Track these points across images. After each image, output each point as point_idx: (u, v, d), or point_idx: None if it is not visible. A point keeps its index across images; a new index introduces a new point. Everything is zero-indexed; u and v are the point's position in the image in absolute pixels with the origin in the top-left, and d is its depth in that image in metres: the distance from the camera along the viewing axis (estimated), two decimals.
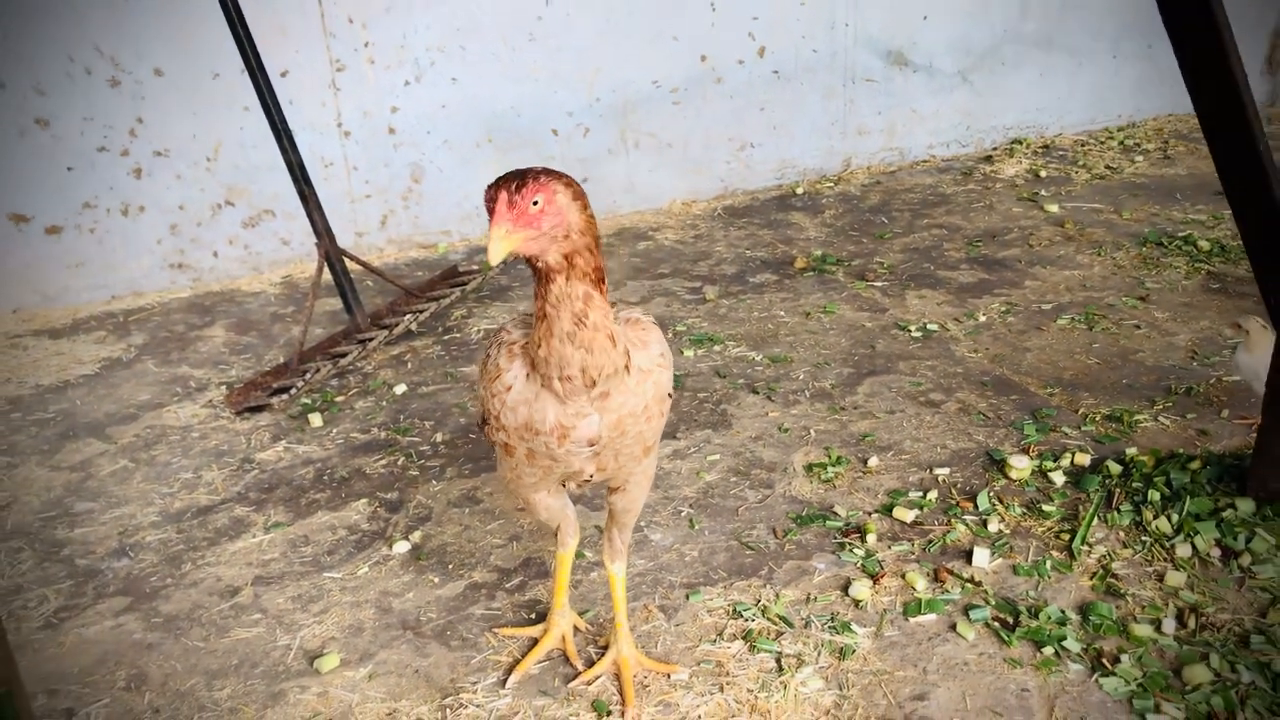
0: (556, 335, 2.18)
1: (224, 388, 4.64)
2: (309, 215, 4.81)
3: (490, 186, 2.07)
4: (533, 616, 3.15)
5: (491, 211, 2.04)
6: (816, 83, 6.95)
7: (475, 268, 5.67)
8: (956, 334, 4.82)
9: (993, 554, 3.27)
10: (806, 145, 7.11)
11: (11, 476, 3.98)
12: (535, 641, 3.02)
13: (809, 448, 3.95)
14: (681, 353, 4.75)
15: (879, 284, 5.45)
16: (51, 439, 4.25)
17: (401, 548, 3.47)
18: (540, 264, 2.13)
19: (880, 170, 7.40)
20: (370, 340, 4.76)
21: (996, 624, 2.97)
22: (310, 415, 4.32)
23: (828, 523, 3.49)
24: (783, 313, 5.16)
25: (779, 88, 6.87)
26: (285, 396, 4.40)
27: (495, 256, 2.03)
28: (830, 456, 3.86)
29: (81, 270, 5.46)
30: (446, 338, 5.05)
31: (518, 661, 2.95)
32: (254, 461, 4.04)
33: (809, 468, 3.81)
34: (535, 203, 2.04)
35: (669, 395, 2.50)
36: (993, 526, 3.42)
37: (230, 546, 3.53)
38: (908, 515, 3.49)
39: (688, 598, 3.17)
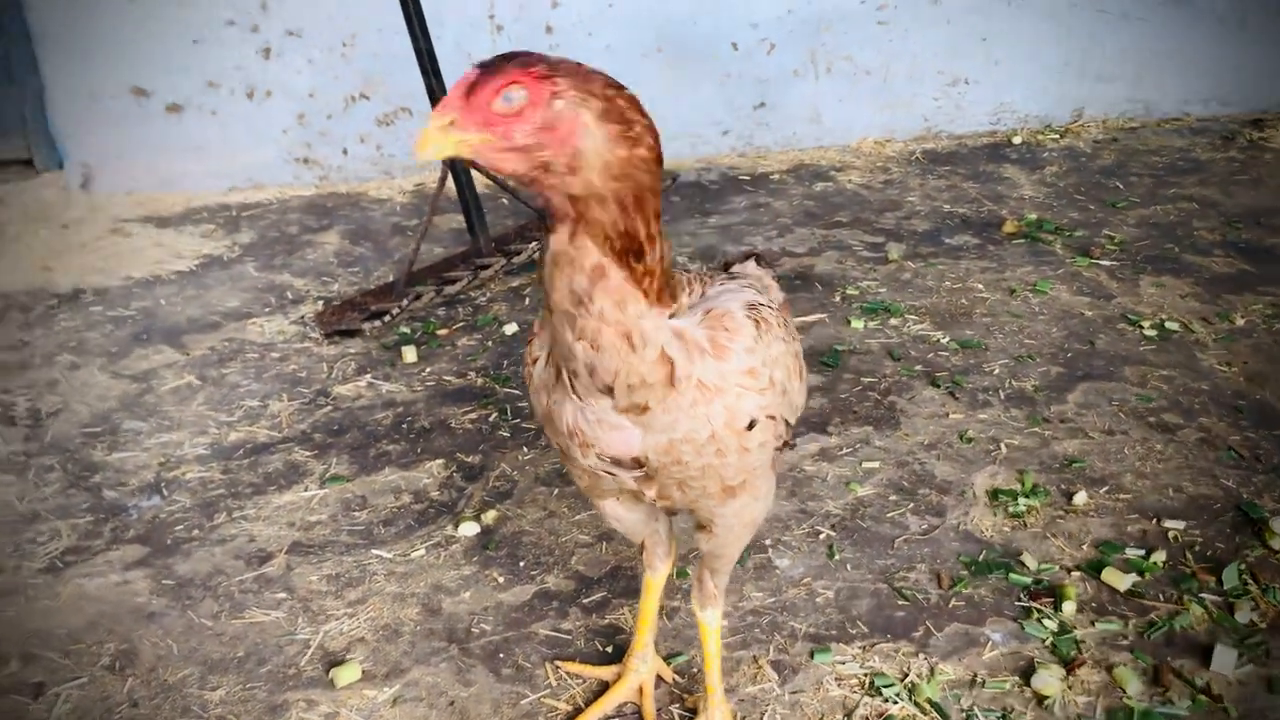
0: (554, 311, 1.51)
1: (320, 303, 4.09)
2: None
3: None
4: (609, 650, 2.45)
5: None
6: (1053, 11, 5.82)
7: None
8: (1204, 338, 3.79)
9: (1240, 656, 2.36)
10: (1032, 87, 6.01)
11: (70, 379, 3.54)
12: (605, 687, 2.33)
13: (996, 468, 3.08)
14: (849, 323, 3.91)
15: (1106, 263, 4.42)
16: (123, 341, 3.80)
17: (469, 530, 2.83)
18: (539, 199, 1.45)
19: (1119, 125, 6.21)
20: (487, 267, 4.11)
21: None
22: (404, 348, 3.72)
23: (1011, 575, 2.65)
24: (981, 286, 4.22)
25: (1007, 14, 5.78)
26: (380, 323, 3.81)
27: (419, 153, 1.39)
28: (1024, 484, 2.99)
29: (200, 155, 5.01)
30: None
31: (579, 713, 2.27)
32: (330, 396, 3.47)
33: (994, 495, 2.95)
34: (509, 98, 1.36)
35: (782, 421, 1.77)
36: (1242, 616, 2.50)
37: (276, 499, 2.97)
38: (1122, 581, 2.61)
39: (812, 655, 2.41)
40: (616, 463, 1.70)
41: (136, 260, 4.43)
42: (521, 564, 2.72)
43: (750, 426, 1.68)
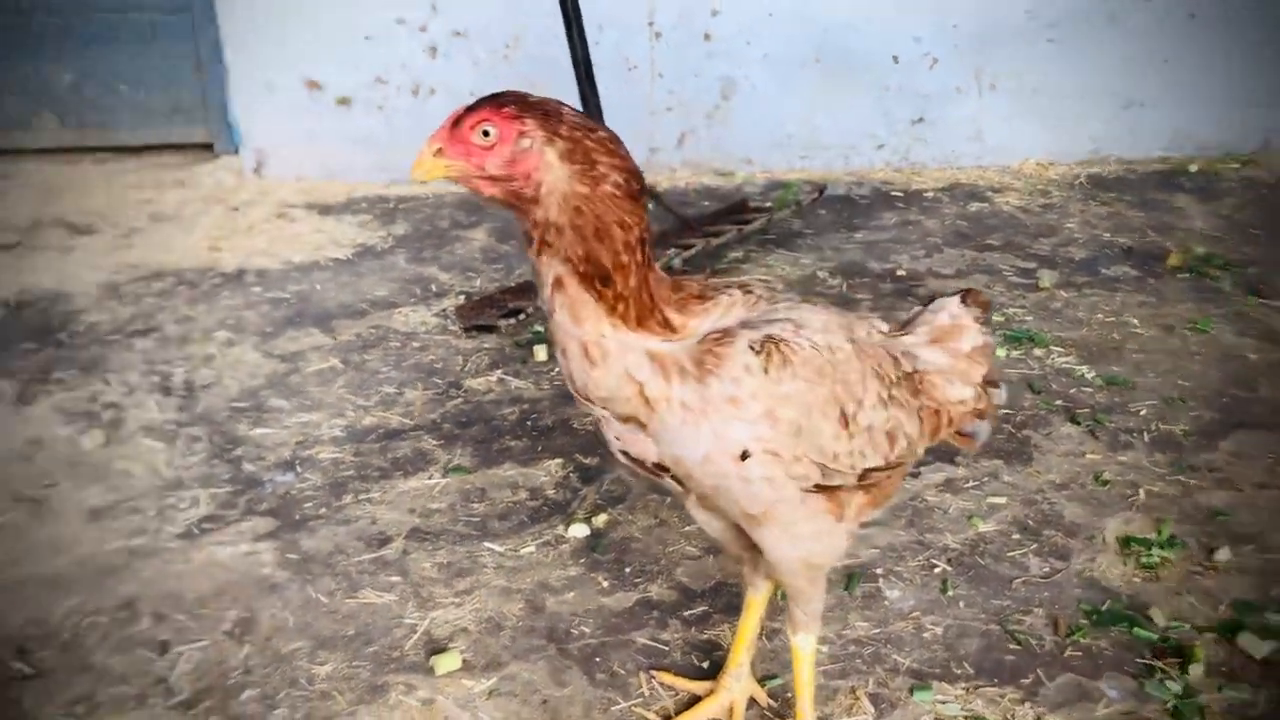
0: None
1: (462, 297, 4.21)
2: None
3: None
4: (705, 666, 2.44)
5: None
6: (1243, 33, 5.48)
7: (768, 205, 4.89)
8: None
9: None
10: (1212, 111, 5.67)
11: (225, 355, 3.75)
12: (696, 701, 2.32)
13: (1132, 514, 2.92)
14: None
15: (1278, 304, 4.14)
16: (277, 321, 3.99)
17: (579, 531, 2.87)
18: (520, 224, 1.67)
19: None
20: None
21: None
22: (536, 346, 3.79)
23: (1136, 630, 2.51)
24: (1136, 321, 4.01)
25: (1191, 34, 5.47)
26: (515, 320, 3.89)
27: (413, 173, 1.65)
28: (1160, 534, 2.83)
29: (365, 147, 5.23)
30: (711, 281, 4.33)
31: None
32: (461, 388, 3.57)
33: (1126, 543, 2.80)
34: (485, 133, 1.59)
35: (806, 462, 1.79)
36: None
37: (400, 484, 3.07)
38: (1260, 648, 2.44)
39: (912, 692, 2.34)
40: (643, 465, 1.81)
41: (298, 245, 4.65)
42: (627, 570, 2.74)
43: (743, 457, 1.72)
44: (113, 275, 4.34)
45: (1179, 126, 5.69)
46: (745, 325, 1.78)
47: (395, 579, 2.71)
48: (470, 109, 1.61)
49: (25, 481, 3.07)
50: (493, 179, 1.61)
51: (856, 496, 1.96)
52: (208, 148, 5.42)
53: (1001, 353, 3.75)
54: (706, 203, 5.16)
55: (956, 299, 2.23)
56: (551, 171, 1.59)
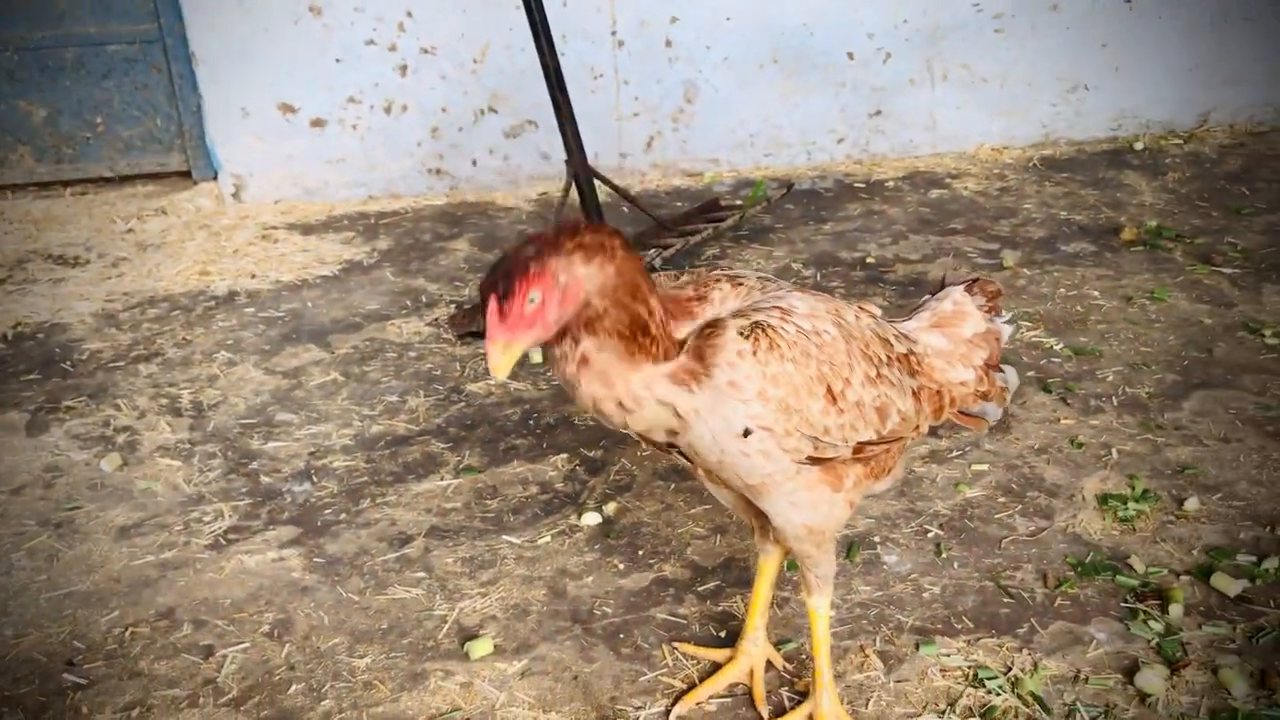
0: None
1: (453, 306, 4.34)
2: (561, 128, 4.38)
3: (482, 284, 1.77)
4: (722, 635, 2.60)
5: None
6: (1178, 17, 5.74)
7: (738, 203, 5.07)
8: None
9: None
10: (1155, 92, 5.93)
11: (228, 374, 3.86)
12: (717, 668, 2.48)
13: (1107, 473, 3.12)
14: None
15: (1228, 270, 4.38)
16: (274, 340, 4.11)
17: (591, 519, 3.02)
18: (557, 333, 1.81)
19: (1246, 130, 6.07)
20: None
21: None
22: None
23: (1119, 578, 2.70)
24: (1097, 293, 4.23)
25: (1130, 20, 5.73)
26: None
27: (499, 373, 1.75)
28: (1134, 489, 3.03)
29: (342, 166, 5.34)
30: (703, 276, 4.50)
31: (692, 688, 2.42)
32: (463, 393, 3.70)
33: (1103, 499, 3.00)
34: (532, 300, 1.72)
35: (797, 436, 1.95)
36: None
37: (415, 486, 3.21)
38: (1232, 586, 2.64)
39: (918, 648, 2.51)
40: (651, 441, 1.98)
41: (284, 265, 4.76)
42: (640, 552, 2.89)
43: (746, 434, 1.90)
44: (106, 304, 4.42)
45: (1123, 107, 5.94)
46: (736, 315, 1.94)
47: (421, 575, 2.85)
48: (502, 296, 1.72)
49: (49, 506, 3.17)
50: (557, 323, 1.76)
51: (854, 469, 2.11)
52: (185, 175, 5.50)
53: None
54: (680, 203, 5.33)
55: (961, 288, 2.35)
56: (589, 280, 1.76)
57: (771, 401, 1.89)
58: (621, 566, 2.84)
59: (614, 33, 5.33)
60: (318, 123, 5.26)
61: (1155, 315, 4.02)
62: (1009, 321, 2.38)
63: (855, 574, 2.78)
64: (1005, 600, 2.67)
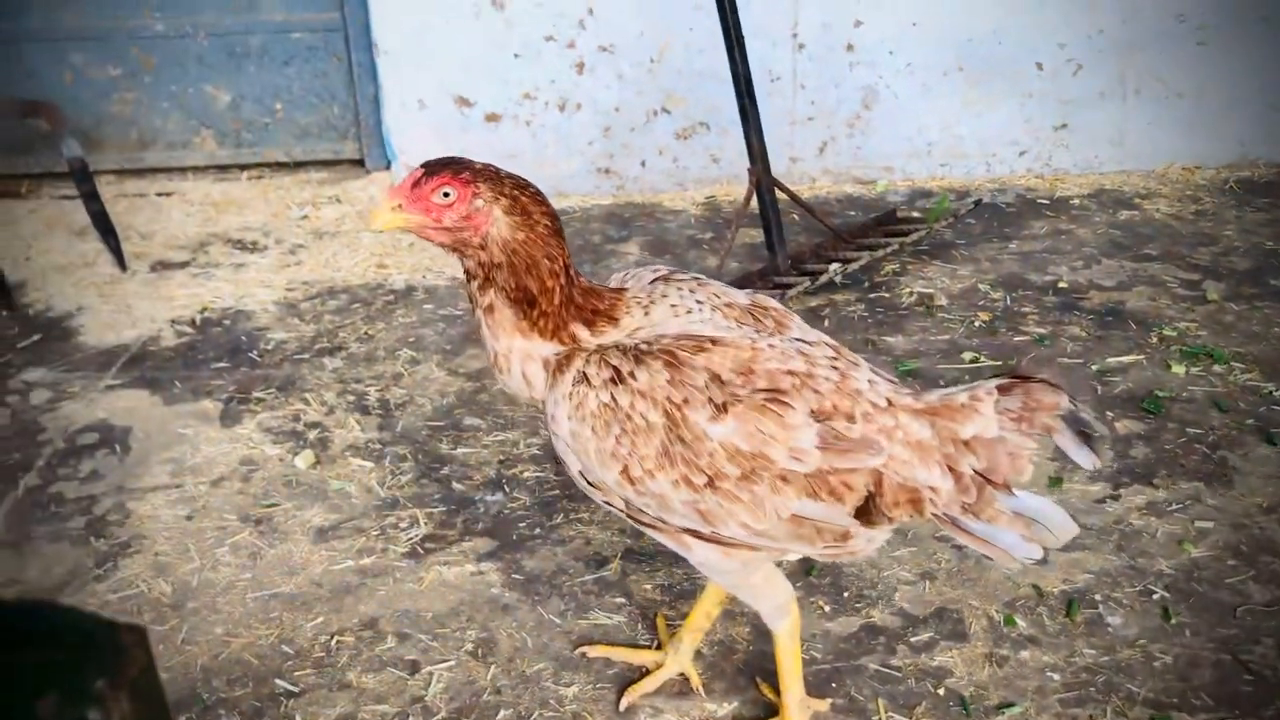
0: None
1: None
2: (746, 136, 4.27)
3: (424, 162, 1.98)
4: (940, 693, 2.49)
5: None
6: None
7: (918, 215, 4.90)
8: None
9: None
10: None
11: (411, 373, 3.87)
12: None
13: None
14: (1168, 367, 3.75)
15: None
16: (455, 339, 4.11)
17: (792, 555, 2.92)
18: (460, 260, 2.03)
19: None
20: (790, 288, 4.18)
21: None
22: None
23: None
24: None
25: None
26: None
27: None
28: None
29: (514, 163, 5.18)
30: (872, 295, 4.37)
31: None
32: None
33: None
34: (446, 194, 1.93)
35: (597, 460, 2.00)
36: None
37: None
38: None
39: None
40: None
41: (457, 262, 4.75)
42: (845, 595, 2.79)
43: (558, 462, 2.08)
44: (287, 292, 4.49)
45: None
46: (611, 347, 2.00)
47: (620, 600, 2.80)
48: (429, 173, 1.94)
49: (248, 501, 3.22)
50: (446, 229, 1.95)
51: (736, 547, 2.07)
52: (358, 164, 5.56)
53: (1180, 369, 3.73)
54: (851, 212, 5.18)
55: (991, 384, 1.99)
56: (497, 224, 1.95)
57: (574, 451, 2.01)
58: (828, 609, 2.75)
59: (795, 35, 5.19)
60: (492, 117, 5.25)
61: None
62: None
63: (1078, 635, 2.63)
64: (1246, 678, 2.49)
